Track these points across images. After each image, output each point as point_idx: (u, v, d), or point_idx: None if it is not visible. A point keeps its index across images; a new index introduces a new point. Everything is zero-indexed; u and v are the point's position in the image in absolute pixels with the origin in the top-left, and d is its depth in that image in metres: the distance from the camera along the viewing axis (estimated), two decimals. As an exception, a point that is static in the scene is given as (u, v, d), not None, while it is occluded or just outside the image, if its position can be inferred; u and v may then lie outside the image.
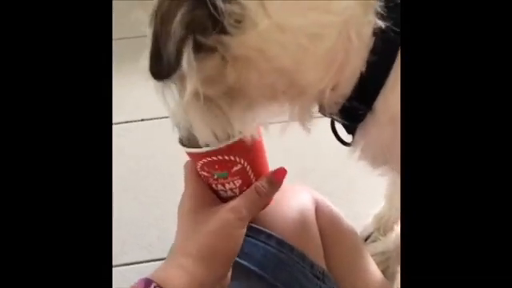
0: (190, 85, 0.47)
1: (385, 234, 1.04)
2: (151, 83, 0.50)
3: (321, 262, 0.61)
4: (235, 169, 0.54)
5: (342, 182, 1.19)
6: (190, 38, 0.45)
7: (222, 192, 0.57)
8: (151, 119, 1.36)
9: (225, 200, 0.56)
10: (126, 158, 1.24)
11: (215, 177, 0.55)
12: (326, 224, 0.66)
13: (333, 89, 0.49)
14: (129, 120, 1.36)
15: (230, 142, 0.52)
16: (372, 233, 1.07)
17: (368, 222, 1.08)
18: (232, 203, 0.54)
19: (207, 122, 0.51)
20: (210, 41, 0.46)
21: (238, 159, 0.54)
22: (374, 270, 0.70)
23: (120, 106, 1.30)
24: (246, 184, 0.56)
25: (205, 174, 0.56)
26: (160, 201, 1.16)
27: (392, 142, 0.51)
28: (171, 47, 0.44)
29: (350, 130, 0.56)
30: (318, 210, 0.67)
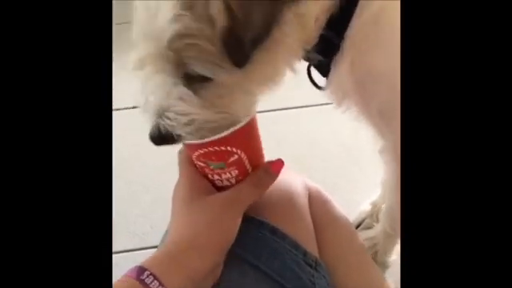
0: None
1: (377, 220, 1.05)
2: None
3: (313, 250, 0.61)
4: (232, 159, 0.54)
5: (334, 170, 1.19)
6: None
7: (217, 181, 0.56)
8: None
9: (220, 189, 0.56)
10: (117, 145, 1.23)
11: (211, 167, 0.55)
12: (319, 211, 0.67)
13: (316, 20, 0.55)
14: (120, 107, 1.34)
15: (227, 132, 0.52)
16: (364, 219, 1.08)
17: (361, 209, 1.10)
18: (228, 193, 0.54)
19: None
20: None
21: (234, 150, 0.53)
22: (367, 259, 0.71)
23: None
24: (243, 174, 0.55)
25: (201, 164, 0.56)
26: (151, 188, 1.16)
27: (358, 69, 0.59)
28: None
29: (325, 72, 0.62)
30: (311, 197, 0.67)
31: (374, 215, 1.07)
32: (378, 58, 0.57)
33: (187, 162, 0.57)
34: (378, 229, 1.04)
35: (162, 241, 0.62)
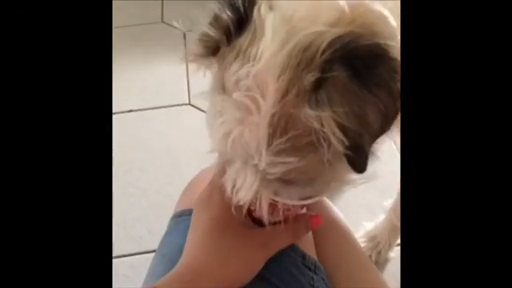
0: None
1: None
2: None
3: (312, 253, 0.60)
4: (287, 213, 0.52)
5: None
6: None
7: (256, 215, 0.52)
8: (139, 110, 1.35)
9: (253, 218, 0.53)
10: (114, 149, 1.23)
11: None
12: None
13: None
14: (117, 111, 1.34)
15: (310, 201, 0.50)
16: None
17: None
18: (265, 234, 0.51)
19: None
20: None
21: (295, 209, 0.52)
22: (367, 261, 0.70)
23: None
24: (283, 220, 0.53)
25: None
26: (149, 193, 1.15)
27: None
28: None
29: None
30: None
31: None
32: None
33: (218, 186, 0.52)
34: (377, 229, 1.05)
35: (160, 248, 0.61)
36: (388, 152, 1.25)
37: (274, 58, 0.40)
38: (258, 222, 0.53)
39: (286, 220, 0.53)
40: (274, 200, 0.49)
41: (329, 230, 0.67)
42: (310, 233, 0.63)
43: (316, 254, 0.62)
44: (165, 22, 1.65)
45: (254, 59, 0.41)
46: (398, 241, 1.05)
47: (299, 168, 0.43)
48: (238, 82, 0.42)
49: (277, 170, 0.43)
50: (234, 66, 0.42)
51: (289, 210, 0.52)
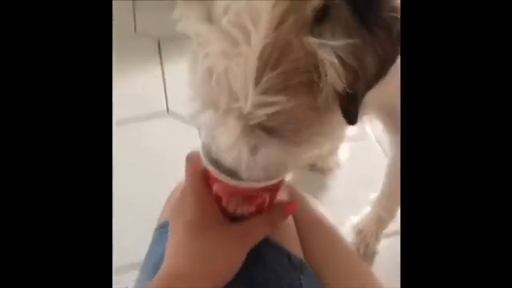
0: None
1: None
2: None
3: (298, 252, 0.60)
4: (256, 201, 0.52)
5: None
6: None
7: (229, 210, 0.53)
8: (118, 123, 1.33)
9: (229, 216, 0.53)
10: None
11: (232, 200, 0.52)
12: (299, 211, 0.65)
13: None
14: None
15: (271, 182, 0.50)
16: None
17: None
18: (243, 228, 0.51)
19: (262, 161, 0.47)
20: None
21: (263, 194, 0.52)
22: (355, 256, 0.70)
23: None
24: (258, 211, 0.53)
25: (221, 193, 0.52)
26: (131, 203, 1.14)
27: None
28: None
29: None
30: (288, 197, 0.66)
31: None
32: None
33: (198, 176, 0.51)
34: (363, 221, 1.06)
35: (146, 259, 0.60)
36: (370, 147, 1.27)
37: None
38: (233, 218, 0.53)
39: (260, 210, 0.53)
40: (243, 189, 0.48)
41: (314, 228, 0.67)
42: (295, 231, 0.63)
43: (302, 252, 0.62)
44: (138, 32, 1.63)
45: None
46: (385, 232, 1.06)
47: (286, 112, 0.41)
48: (226, 9, 0.39)
49: (263, 113, 0.40)
50: None
51: (261, 198, 0.52)
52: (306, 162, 0.51)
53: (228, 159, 0.46)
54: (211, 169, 0.49)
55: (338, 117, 0.43)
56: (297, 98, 0.40)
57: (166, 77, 1.46)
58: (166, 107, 1.39)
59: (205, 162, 0.49)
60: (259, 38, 0.38)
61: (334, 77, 0.39)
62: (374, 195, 1.03)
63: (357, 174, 1.20)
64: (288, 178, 0.56)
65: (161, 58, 1.52)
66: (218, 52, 0.40)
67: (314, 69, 0.40)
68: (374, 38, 0.38)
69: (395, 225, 1.04)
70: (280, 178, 0.51)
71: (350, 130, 1.07)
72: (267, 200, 0.53)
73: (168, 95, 1.42)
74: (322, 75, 0.39)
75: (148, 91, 1.44)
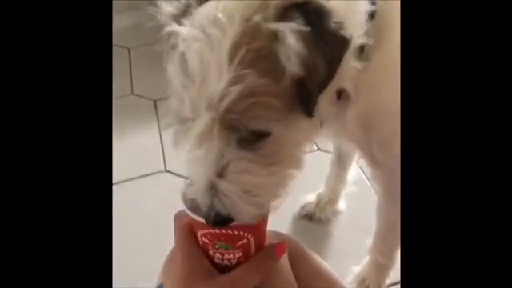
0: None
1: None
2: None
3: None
4: (240, 243, 0.52)
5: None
6: None
7: (217, 259, 0.53)
8: (116, 183, 1.34)
9: (218, 267, 0.53)
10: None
11: (216, 246, 0.52)
12: (300, 266, 0.64)
13: None
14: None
15: (250, 221, 0.51)
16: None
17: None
18: (232, 276, 0.51)
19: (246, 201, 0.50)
20: None
21: (246, 234, 0.52)
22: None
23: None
24: (246, 256, 0.53)
25: (206, 241, 0.53)
26: (128, 263, 1.13)
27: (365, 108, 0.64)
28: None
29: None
30: (289, 250, 0.65)
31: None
32: (386, 95, 0.61)
33: (186, 232, 0.53)
34: (365, 270, 1.04)
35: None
36: (364, 192, 1.27)
37: None
38: (223, 268, 0.53)
39: (247, 255, 0.53)
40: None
41: (314, 281, 0.65)
42: (295, 285, 0.62)
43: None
44: (134, 94, 1.67)
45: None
46: (388, 281, 1.04)
47: (253, 94, 0.47)
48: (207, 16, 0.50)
49: (237, 89, 0.47)
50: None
51: (244, 238, 0.52)
52: (284, 186, 0.54)
53: (201, 197, 0.50)
54: (190, 213, 0.51)
55: (302, 121, 0.52)
56: (263, 78, 0.48)
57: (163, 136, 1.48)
58: (163, 165, 1.40)
59: (186, 210, 0.52)
60: (233, 28, 0.48)
61: (291, 66, 0.48)
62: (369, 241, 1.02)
63: (357, 221, 1.19)
64: (285, 231, 0.57)
65: (158, 116, 1.54)
66: (195, 35, 0.50)
67: (275, 59, 0.48)
68: (324, 43, 0.48)
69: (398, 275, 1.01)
70: (260, 217, 0.52)
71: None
72: (252, 242, 0.53)
73: (165, 154, 1.44)
74: (282, 63, 0.48)
75: (146, 151, 1.46)
